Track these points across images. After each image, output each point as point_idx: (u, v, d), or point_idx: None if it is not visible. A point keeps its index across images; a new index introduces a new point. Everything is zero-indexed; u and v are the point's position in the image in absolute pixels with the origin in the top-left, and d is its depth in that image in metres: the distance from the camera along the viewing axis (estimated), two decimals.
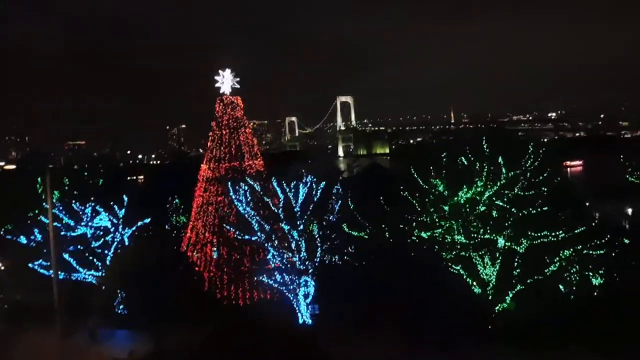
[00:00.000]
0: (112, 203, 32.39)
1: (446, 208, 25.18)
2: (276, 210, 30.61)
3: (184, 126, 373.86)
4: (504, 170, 24.77)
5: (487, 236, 24.45)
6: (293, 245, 30.38)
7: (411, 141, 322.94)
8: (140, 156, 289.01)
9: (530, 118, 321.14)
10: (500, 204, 24.56)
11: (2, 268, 32.21)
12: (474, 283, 24.96)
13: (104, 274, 32.52)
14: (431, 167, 26.48)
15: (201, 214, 38.06)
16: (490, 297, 24.57)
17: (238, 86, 40.69)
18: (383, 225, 26.31)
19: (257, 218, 31.08)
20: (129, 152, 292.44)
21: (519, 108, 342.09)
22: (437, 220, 25.45)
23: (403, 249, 24.85)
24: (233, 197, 31.13)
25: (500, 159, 24.52)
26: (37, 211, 33.83)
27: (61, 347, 28.29)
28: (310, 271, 29.91)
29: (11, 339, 29.72)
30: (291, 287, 30.54)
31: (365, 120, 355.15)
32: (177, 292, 27.02)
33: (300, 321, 30.93)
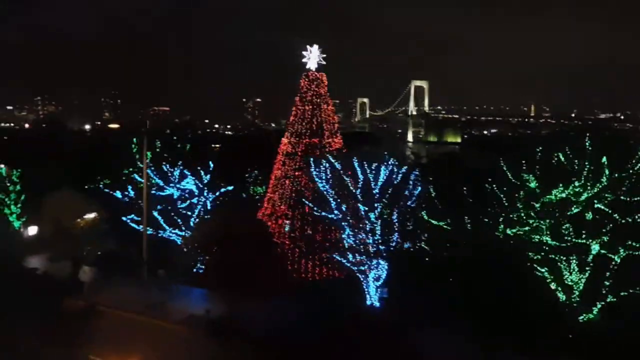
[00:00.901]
0: (198, 168, 33.87)
1: (537, 206, 23.94)
2: (354, 190, 30.68)
3: (259, 100, 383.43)
4: (606, 172, 23.06)
5: (580, 240, 23.00)
6: (368, 227, 30.41)
7: (485, 132, 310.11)
8: (216, 126, 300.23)
9: (622, 117, 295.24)
10: (601, 207, 22.92)
11: (99, 217, 34.77)
12: (559, 288, 23.70)
13: (187, 234, 34.40)
14: (523, 162, 25.21)
15: (278, 187, 38.95)
16: (575, 306, 23.23)
17: (324, 62, 40.81)
18: (466, 217, 25.39)
19: (335, 196, 31.36)
20: (207, 121, 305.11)
21: (606, 106, 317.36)
22: (524, 217, 24.29)
23: (486, 244, 23.93)
24: (314, 173, 31.45)
25: (604, 159, 22.80)
26: (131, 169, 36.30)
27: (144, 297, 30.40)
28: (383, 254, 29.88)
29: (101, 283, 32.42)
30: (363, 267, 30.73)
31: (439, 107, 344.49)
32: (254, 259, 27.89)
33: (368, 303, 31.13)
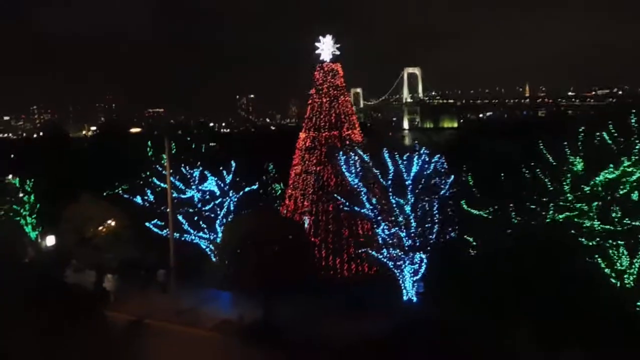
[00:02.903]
0: (221, 168, 32.88)
1: (587, 189, 23.08)
2: (384, 183, 29.76)
3: (252, 96, 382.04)
4: None
5: (633, 222, 22.16)
6: (400, 220, 29.52)
7: (480, 115, 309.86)
8: (211, 124, 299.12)
9: (620, 93, 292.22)
10: None
11: (120, 224, 33.72)
12: (612, 275, 22.89)
13: (212, 237, 33.44)
14: (565, 143, 24.34)
15: (299, 183, 37.97)
16: (631, 293, 22.41)
17: (338, 53, 39.60)
18: (511, 205, 24.48)
19: (365, 189, 30.44)
20: (201, 120, 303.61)
21: (602, 82, 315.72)
22: (573, 202, 23.44)
23: (534, 232, 23.04)
24: (343, 167, 30.47)
25: None
26: (148, 173, 35.20)
27: (175, 303, 29.45)
28: (418, 247, 29.04)
29: (127, 292, 31.44)
30: (398, 262, 29.89)
31: (433, 93, 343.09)
32: (289, 260, 26.97)
33: (405, 298, 30.31)
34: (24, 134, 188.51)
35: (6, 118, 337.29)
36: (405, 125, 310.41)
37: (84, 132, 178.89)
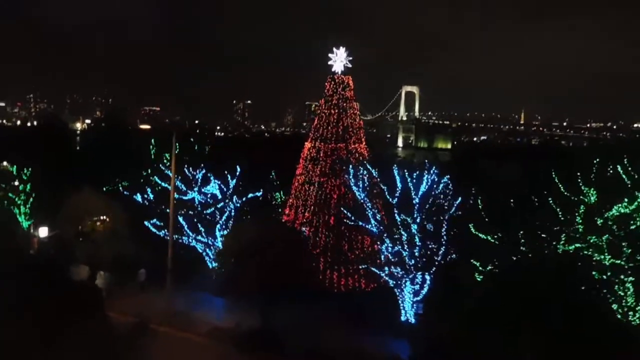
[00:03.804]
0: (225, 172, 32.37)
1: (600, 221, 22.95)
2: (391, 200, 29.43)
3: (249, 102, 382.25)
4: None
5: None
6: (405, 238, 29.16)
7: (474, 139, 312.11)
8: (206, 126, 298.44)
9: (615, 127, 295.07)
10: None
11: (117, 221, 32.91)
12: (619, 310, 22.66)
13: (210, 241, 32.80)
14: (578, 174, 24.24)
15: (302, 193, 37.54)
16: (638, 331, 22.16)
17: (350, 65, 39.56)
18: (521, 232, 24.26)
19: (370, 205, 30.09)
20: (196, 121, 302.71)
21: (597, 115, 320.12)
22: (583, 233, 23.28)
23: (543, 261, 22.80)
24: (352, 181, 30.12)
25: None
26: (149, 170, 34.56)
27: (169, 305, 28.70)
28: (422, 267, 28.65)
29: (118, 290, 30.57)
30: (399, 281, 29.45)
31: (430, 113, 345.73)
32: (288, 268, 26.44)
33: (403, 318, 29.84)
34: (19, 122, 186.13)
35: (1, 104, 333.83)
36: (400, 142, 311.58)
37: (78, 125, 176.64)
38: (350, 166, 30.90)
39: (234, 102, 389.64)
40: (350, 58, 39.23)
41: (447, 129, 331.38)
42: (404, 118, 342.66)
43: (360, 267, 31.84)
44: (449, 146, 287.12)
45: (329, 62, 39.11)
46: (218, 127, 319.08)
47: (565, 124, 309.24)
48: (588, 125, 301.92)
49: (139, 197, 32.94)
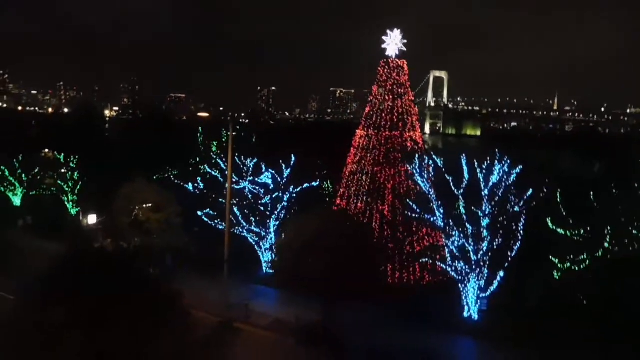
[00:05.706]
0: (280, 161, 31.19)
1: None
2: (456, 191, 27.77)
3: (274, 88, 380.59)
4: None
5: None
6: (470, 232, 27.54)
7: (505, 125, 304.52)
8: (230, 114, 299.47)
9: None
10: None
11: (170, 210, 32.08)
12: None
13: (263, 233, 31.81)
14: None
15: (353, 183, 36.12)
16: None
17: (405, 49, 37.56)
18: (608, 227, 22.37)
19: (434, 196, 28.50)
20: (221, 108, 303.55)
21: (636, 100, 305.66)
22: None
23: (630, 258, 20.94)
24: (416, 172, 28.52)
25: None
26: (198, 159, 33.66)
27: (227, 295, 27.91)
28: (491, 263, 27.05)
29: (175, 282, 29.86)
30: (463, 276, 27.94)
31: (459, 99, 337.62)
32: (351, 264, 25.15)
33: (466, 314, 28.39)
34: (50, 109, 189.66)
35: (34, 92, 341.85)
36: (427, 129, 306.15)
37: (107, 112, 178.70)
38: (417, 156, 29.16)
39: (259, 88, 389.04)
40: (405, 41, 37.37)
41: (476, 115, 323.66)
42: (432, 104, 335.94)
43: (422, 261, 30.31)
44: (479, 133, 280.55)
45: (383, 45, 37.24)
46: (242, 114, 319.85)
47: (603, 109, 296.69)
48: (629, 110, 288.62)
49: (190, 187, 32.07)
